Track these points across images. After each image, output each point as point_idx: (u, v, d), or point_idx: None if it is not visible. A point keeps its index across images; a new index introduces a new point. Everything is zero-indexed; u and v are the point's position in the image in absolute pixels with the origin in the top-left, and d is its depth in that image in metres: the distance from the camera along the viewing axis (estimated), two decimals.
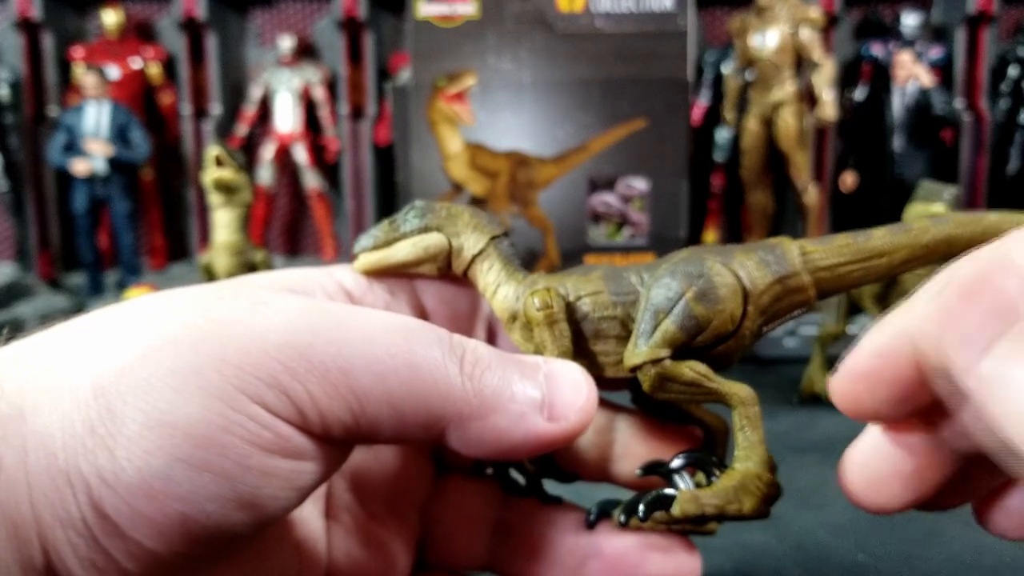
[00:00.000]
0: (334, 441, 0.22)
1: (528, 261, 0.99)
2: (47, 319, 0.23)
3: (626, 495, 0.28)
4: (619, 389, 0.29)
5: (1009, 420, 0.16)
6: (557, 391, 0.24)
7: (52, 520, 0.19)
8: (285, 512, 0.22)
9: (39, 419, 0.20)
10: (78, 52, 1.66)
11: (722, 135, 1.56)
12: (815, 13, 1.37)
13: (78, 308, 1.33)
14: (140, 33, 1.74)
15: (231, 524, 0.20)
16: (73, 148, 1.49)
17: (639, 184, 0.99)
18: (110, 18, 1.66)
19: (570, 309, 0.27)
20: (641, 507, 0.26)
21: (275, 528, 0.26)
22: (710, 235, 1.65)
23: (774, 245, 0.27)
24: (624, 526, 0.27)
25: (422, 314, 0.30)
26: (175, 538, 0.20)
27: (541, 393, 0.23)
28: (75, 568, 0.20)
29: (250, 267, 0.98)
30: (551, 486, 0.31)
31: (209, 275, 0.98)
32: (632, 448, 0.29)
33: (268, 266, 1.00)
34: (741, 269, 0.26)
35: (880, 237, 0.26)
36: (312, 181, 1.71)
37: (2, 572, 0.19)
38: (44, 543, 0.19)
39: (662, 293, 0.26)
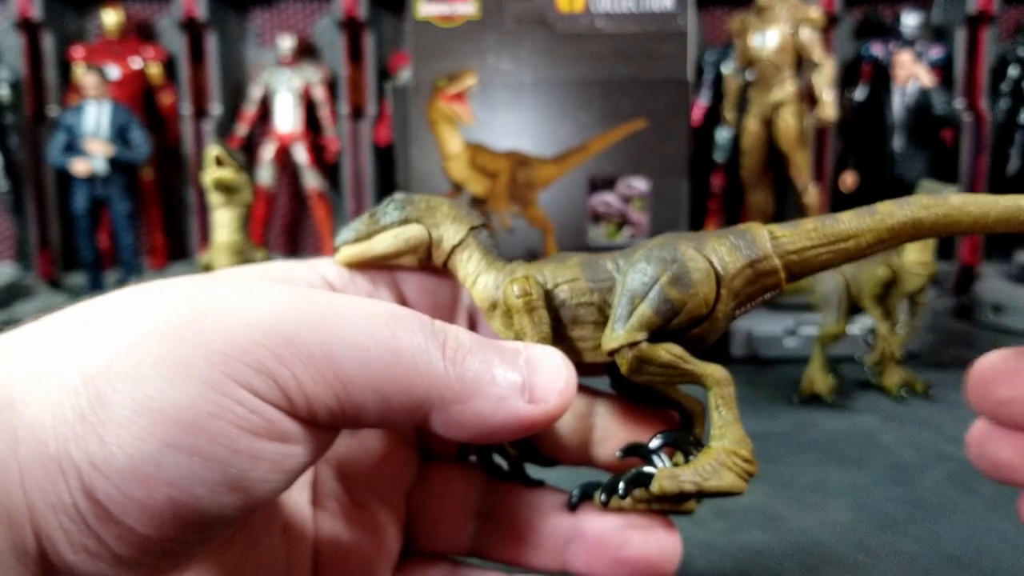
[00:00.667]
0: (320, 425, 0.22)
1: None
2: None
3: (607, 479, 0.28)
4: (598, 374, 0.29)
5: None
6: (537, 375, 0.24)
7: (44, 507, 0.19)
8: (273, 495, 0.22)
9: (29, 408, 0.20)
10: (78, 52, 1.67)
11: (722, 135, 1.56)
12: (815, 13, 1.37)
13: None
14: (140, 33, 1.75)
15: (221, 508, 0.21)
16: (73, 148, 1.50)
17: (639, 184, 0.99)
18: (110, 18, 1.66)
19: (548, 296, 0.28)
20: (621, 485, 0.27)
21: (264, 513, 0.27)
22: None
23: (744, 230, 0.27)
24: (605, 506, 0.27)
25: (403, 305, 0.31)
26: (166, 522, 0.20)
27: (521, 377, 0.24)
28: (68, 553, 0.20)
29: None
30: (533, 471, 0.31)
31: None
32: (612, 432, 0.30)
33: None
34: (713, 254, 0.27)
35: (847, 221, 0.27)
36: (312, 181, 1.71)
37: None
38: (37, 529, 0.19)
39: (637, 278, 0.27)
